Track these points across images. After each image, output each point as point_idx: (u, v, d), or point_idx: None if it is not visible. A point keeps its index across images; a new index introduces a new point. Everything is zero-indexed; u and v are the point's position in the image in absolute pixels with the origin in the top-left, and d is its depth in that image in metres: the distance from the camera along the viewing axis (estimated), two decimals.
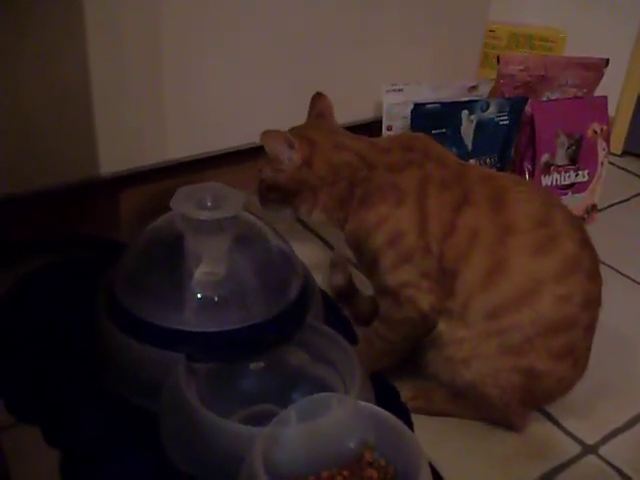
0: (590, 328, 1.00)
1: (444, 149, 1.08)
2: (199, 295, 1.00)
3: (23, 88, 1.16)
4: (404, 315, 1.01)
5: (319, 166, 1.04)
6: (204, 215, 1.00)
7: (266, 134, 1.04)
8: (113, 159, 1.29)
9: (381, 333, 1.05)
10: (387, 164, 1.03)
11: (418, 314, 1.00)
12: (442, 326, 1.00)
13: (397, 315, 1.02)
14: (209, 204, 1.03)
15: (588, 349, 1.01)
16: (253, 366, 1.01)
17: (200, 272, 1.01)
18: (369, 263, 1.03)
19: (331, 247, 1.43)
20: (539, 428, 1.06)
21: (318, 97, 1.14)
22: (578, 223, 1.01)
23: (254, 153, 1.46)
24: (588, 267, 0.97)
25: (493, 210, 0.97)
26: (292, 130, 1.08)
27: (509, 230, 0.96)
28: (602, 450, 1.03)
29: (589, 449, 1.03)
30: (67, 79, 1.18)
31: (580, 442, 1.04)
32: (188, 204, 1.01)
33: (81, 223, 1.34)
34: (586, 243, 0.99)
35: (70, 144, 1.23)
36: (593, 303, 0.99)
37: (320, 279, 1.20)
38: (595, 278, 0.98)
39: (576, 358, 1.00)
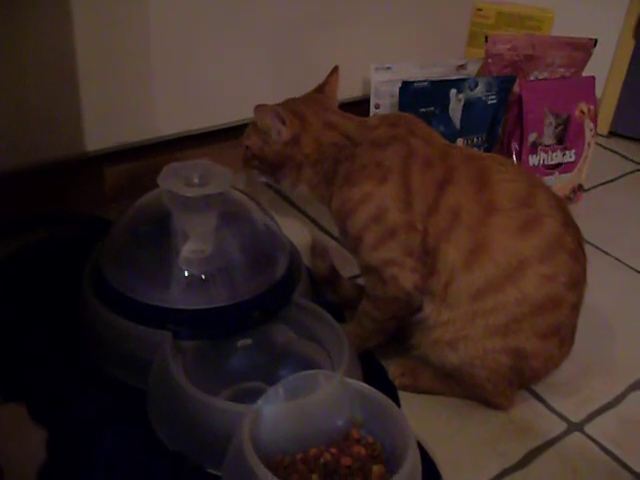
0: (576, 307, 1.00)
1: (430, 128, 1.07)
2: (186, 273, 1.00)
3: (10, 66, 1.14)
4: (388, 293, 1.01)
5: (306, 143, 1.04)
6: (191, 192, 1.00)
7: (259, 107, 1.04)
8: (99, 136, 1.28)
9: (368, 311, 1.06)
10: (371, 140, 1.03)
11: (402, 292, 1.00)
12: (427, 308, 1.00)
13: (382, 293, 1.02)
14: (196, 181, 1.03)
15: (574, 328, 1.02)
16: (240, 344, 1.01)
17: (187, 249, 1.01)
18: (353, 240, 1.03)
19: (317, 225, 1.43)
20: (525, 406, 1.06)
21: (332, 71, 1.14)
22: (561, 203, 1.01)
23: (242, 131, 1.46)
24: (571, 247, 0.97)
25: (476, 190, 0.97)
26: (286, 104, 1.08)
27: (491, 209, 0.96)
28: (587, 427, 1.04)
29: (575, 426, 1.04)
30: (54, 57, 1.17)
31: (566, 420, 1.05)
32: (175, 181, 1.01)
33: (67, 200, 1.33)
34: (569, 223, 0.99)
35: (56, 121, 1.22)
36: (578, 282, 0.99)
37: (307, 257, 1.20)
38: (579, 258, 0.99)
39: (562, 337, 1.00)
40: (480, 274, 0.95)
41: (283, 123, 1.03)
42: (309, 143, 1.04)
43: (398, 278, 0.99)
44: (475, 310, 0.96)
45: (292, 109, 1.05)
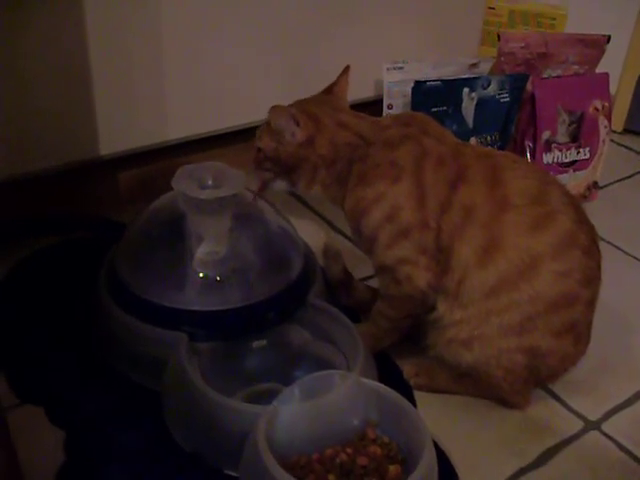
0: (591, 304, 0.99)
1: (442, 127, 1.07)
2: (201, 274, 1.00)
3: (24, 70, 1.15)
4: (403, 292, 1.01)
5: (321, 144, 1.04)
6: (205, 194, 1.00)
7: (274, 109, 1.03)
8: (113, 140, 1.28)
9: (382, 311, 1.06)
10: (384, 140, 1.03)
11: (416, 291, 1.00)
12: (440, 307, 1.00)
13: (396, 292, 1.02)
14: (210, 183, 1.03)
15: (589, 325, 1.01)
16: (256, 345, 1.01)
17: (201, 251, 1.01)
18: (367, 240, 1.03)
19: (332, 226, 1.43)
20: (542, 405, 1.06)
21: (343, 70, 1.14)
22: (574, 200, 1.00)
23: (253, 133, 1.46)
24: (585, 243, 0.97)
25: (488, 187, 0.97)
26: (299, 104, 1.08)
27: (504, 207, 0.95)
28: (604, 426, 1.04)
29: (592, 425, 1.04)
30: (67, 61, 1.18)
31: (583, 418, 1.04)
32: (189, 183, 1.01)
33: (81, 204, 1.34)
34: (582, 219, 0.98)
35: (70, 125, 1.23)
36: (593, 279, 0.98)
37: (321, 259, 1.20)
38: (593, 254, 0.98)
39: (578, 334, 1.00)
40: (493, 271, 0.95)
41: (297, 124, 1.03)
42: (324, 144, 1.04)
43: (412, 277, 0.99)
44: (489, 308, 0.96)
45: (305, 110, 1.05)
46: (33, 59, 1.15)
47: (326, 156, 1.04)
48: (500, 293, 0.95)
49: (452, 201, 0.97)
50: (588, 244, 0.97)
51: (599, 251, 1.00)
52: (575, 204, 0.99)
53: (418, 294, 1.00)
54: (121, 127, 1.28)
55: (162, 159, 1.38)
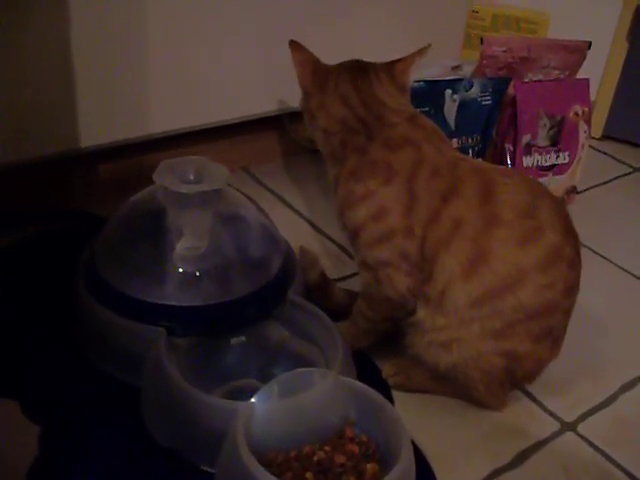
0: (568, 311, 1.01)
1: (446, 140, 1.07)
2: (180, 269, 0.99)
3: (4, 61, 1.14)
4: (382, 294, 1.01)
5: (316, 107, 1.07)
6: (186, 188, 0.99)
7: (292, 44, 1.11)
8: (93, 132, 1.27)
9: (362, 310, 1.06)
10: (385, 139, 1.02)
11: (396, 294, 1.00)
12: (422, 313, 1.00)
13: (375, 292, 1.02)
14: (192, 178, 1.02)
15: (565, 329, 1.02)
16: (234, 341, 1.00)
17: (181, 246, 1.00)
18: (350, 235, 1.03)
19: (313, 225, 1.43)
20: (519, 406, 1.06)
21: (420, 49, 1.15)
22: (563, 211, 1.00)
23: (237, 129, 1.46)
24: (570, 255, 0.97)
25: (480, 202, 0.97)
26: (340, 65, 1.11)
27: (494, 222, 0.95)
28: (580, 427, 1.04)
29: (567, 426, 1.04)
30: (48, 52, 1.16)
31: (559, 419, 1.05)
32: (171, 177, 1.00)
33: (60, 196, 1.33)
34: (569, 230, 0.99)
35: (50, 117, 1.21)
36: (573, 289, 0.99)
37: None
38: (575, 265, 0.99)
39: (554, 339, 1.01)
40: (479, 284, 0.95)
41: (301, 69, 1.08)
42: (317, 108, 1.07)
43: (393, 279, 0.99)
44: (472, 316, 0.96)
45: (317, 64, 1.10)
46: (12, 49, 1.13)
47: (319, 122, 1.06)
48: (484, 303, 0.95)
49: (441, 213, 0.97)
50: (573, 256, 0.98)
51: (580, 260, 1.00)
52: (564, 215, 1.00)
53: (397, 297, 1.00)
54: (102, 120, 1.27)
55: (143, 153, 1.37)
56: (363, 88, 1.07)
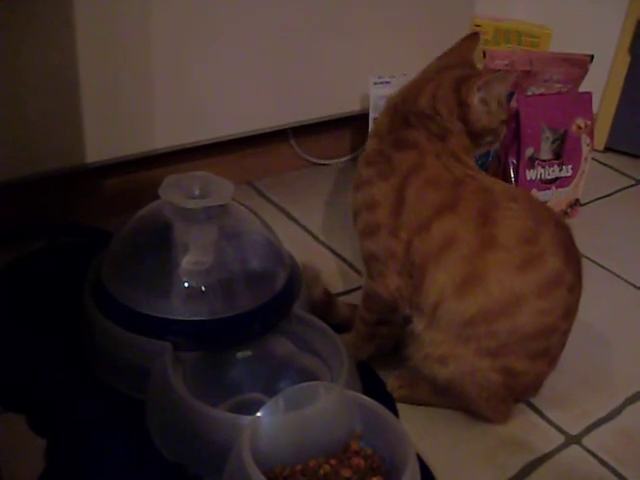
0: (567, 332, 1.01)
1: (460, 159, 1.03)
2: (186, 284, 1.00)
3: (11, 77, 1.15)
4: (375, 291, 1.03)
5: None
6: (192, 203, 1.00)
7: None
8: (99, 148, 1.28)
9: (361, 313, 1.07)
10: (396, 138, 1.04)
11: (386, 292, 1.01)
12: (418, 325, 1.00)
13: (370, 290, 1.04)
14: (197, 193, 1.03)
15: (563, 346, 1.02)
16: (240, 355, 1.01)
17: (187, 261, 1.01)
18: (353, 220, 1.06)
19: (317, 239, 1.43)
20: (524, 419, 1.07)
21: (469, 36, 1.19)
22: (567, 237, 0.99)
23: (242, 143, 1.47)
24: (570, 280, 0.97)
25: (478, 224, 0.96)
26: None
27: (490, 245, 0.95)
28: (585, 440, 1.04)
29: (572, 439, 1.04)
30: (55, 69, 1.17)
31: (564, 432, 1.05)
32: (176, 192, 1.01)
33: (67, 211, 1.34)
34: (571, 257, 0.98)
35: (57, 132, 1.22)
36: (571, 311, 1.00)
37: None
38: (576, 289, 0.99)
39: (552, 357, 1.01)
40: (472, 304, 0.95)
41: None
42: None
43: (383, 275, 1.01)
44: (467, 334, 0.96)
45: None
46: (20, 66, 1.14)
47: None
48: (479, 324, 0.95)
49: (432, 224, 0.97)
50: (574, 281, 0.97)
51: (581, 284, 1.00)
52: (567, 241, 0.99)
53: (387, 296, 1.01)
54: (107, 135, 1.28)
55: (149, 168, 1.38)
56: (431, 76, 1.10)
